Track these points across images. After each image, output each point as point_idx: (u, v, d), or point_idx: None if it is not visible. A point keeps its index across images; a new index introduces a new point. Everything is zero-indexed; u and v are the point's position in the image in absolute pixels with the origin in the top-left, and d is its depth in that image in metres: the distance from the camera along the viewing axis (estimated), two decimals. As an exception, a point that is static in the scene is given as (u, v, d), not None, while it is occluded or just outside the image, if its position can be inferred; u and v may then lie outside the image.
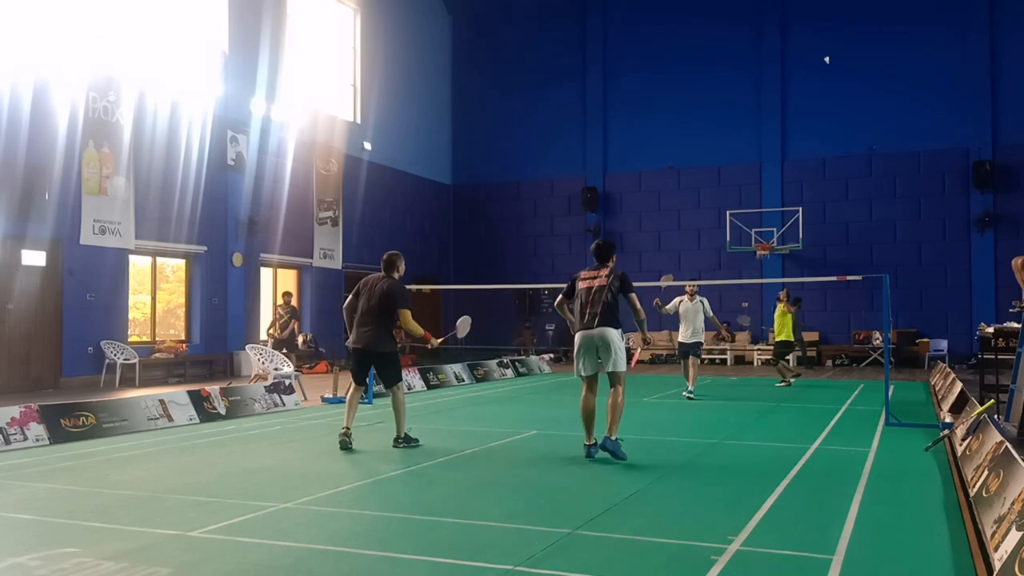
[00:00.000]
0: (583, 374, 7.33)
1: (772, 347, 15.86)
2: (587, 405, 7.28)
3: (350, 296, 8.07)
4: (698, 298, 13.01)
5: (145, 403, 9.47)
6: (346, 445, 7.71)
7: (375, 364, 8.09)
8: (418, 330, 7.85)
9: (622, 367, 7.21)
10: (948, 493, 5.85)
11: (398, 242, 23.71)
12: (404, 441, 7.89)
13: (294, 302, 19.51)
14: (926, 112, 21.55)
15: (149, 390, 13.00)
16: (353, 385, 8.10)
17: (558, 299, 7.76)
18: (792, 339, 14.99)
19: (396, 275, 8.00)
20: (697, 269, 23.27)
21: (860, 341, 21.41)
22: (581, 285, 7.40)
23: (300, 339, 17.97)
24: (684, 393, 12.67)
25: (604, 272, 7.35)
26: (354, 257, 22.02)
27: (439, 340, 8.32)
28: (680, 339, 13.13)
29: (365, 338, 7.80)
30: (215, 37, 17.98)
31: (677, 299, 13.13)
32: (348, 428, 7.82)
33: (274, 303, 20.06)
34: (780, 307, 15.11)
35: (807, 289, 21.53)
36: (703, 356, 15.57)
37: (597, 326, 7.14)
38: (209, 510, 5.35)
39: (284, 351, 15.07)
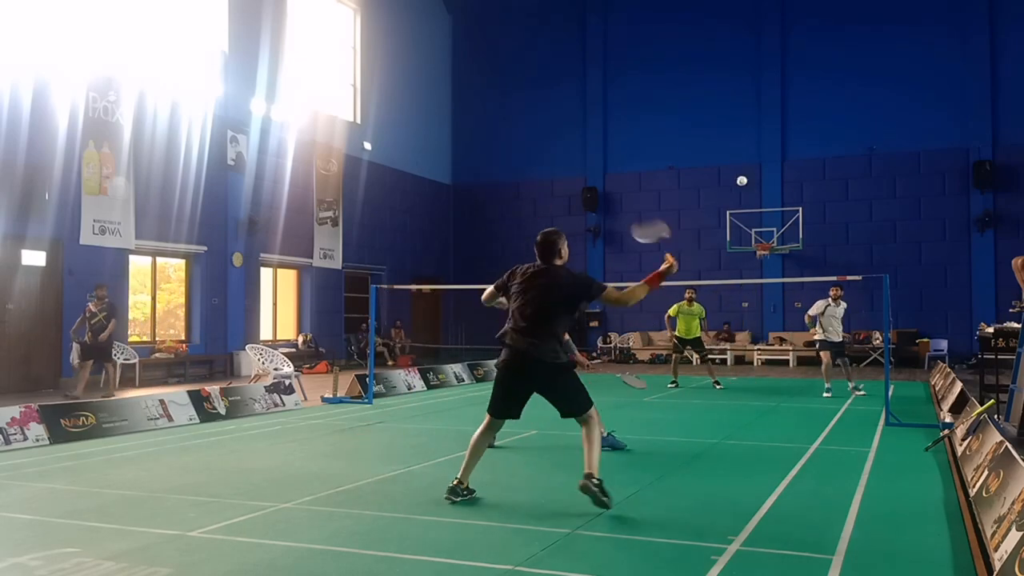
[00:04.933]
0: None
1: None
2: None
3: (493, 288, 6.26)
4: (843, 303, 13.58)
5: (145, 403, 9.48)
6: (456, 499, 5.54)
7: (545, 384, 5.57)
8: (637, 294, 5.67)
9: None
10: (948, 493, 5.85)
11: (398, 242, 23.76)
12: (597, 484, 5.24)
13: (299, 300, 19.25)
14: (926, 112, 21.53)
15: (149, 390, 13.01)
16: (488, 419, 5.68)
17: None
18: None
19: (559, 261, 5.86)
20: (697, 269, 23.25)
21: (860, 341, 21.40)
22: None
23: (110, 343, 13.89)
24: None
25: None
26: (354, 257, 22.00)
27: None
28: (830, 339, 13.44)
29: (526, 346, 5.51)
30: (215, 37, 17.97)
31: (822, 303, 13.49)
32: (461, 481, 5.61)
33: (274, 302, 20.08)
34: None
35: (807, 289, 21.51)
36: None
37: None
38: (209, 510, 5.36)
39: (95, 360, 12.81)
